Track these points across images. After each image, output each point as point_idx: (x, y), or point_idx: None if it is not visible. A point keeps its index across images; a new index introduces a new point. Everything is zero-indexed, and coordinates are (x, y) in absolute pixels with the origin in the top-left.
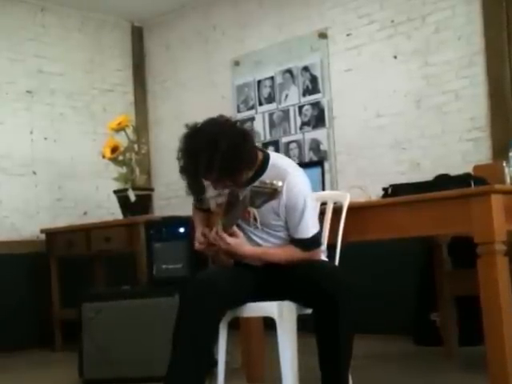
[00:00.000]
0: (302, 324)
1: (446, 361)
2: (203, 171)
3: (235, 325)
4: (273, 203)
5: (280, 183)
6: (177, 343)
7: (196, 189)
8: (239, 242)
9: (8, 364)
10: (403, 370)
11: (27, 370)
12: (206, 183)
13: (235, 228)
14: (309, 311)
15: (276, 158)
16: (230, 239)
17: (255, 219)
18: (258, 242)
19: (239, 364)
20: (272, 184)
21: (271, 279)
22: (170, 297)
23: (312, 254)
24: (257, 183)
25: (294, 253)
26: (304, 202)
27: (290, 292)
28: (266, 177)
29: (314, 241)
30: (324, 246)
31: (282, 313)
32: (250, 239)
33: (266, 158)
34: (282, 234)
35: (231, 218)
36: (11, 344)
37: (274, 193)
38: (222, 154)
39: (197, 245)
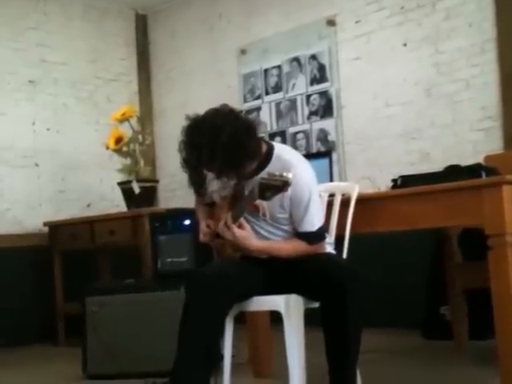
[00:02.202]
0: (309, 318)
1: (455, 355)
2: (205, 163)
3: (241, 319)
4: (278, 196)
5: (290, 175)
6: (182, 338)
7: (197, 181)
8: (246, 236)
9: (10, 359)
10: (412, 364)
11: (30, 364)
12: (210, 177)
13: (242, 220)
14: (316, 305)
15: (281, 150)
16: (236, 231)
17: (264, 212)
18: (265, 235)
19: (245, 359)
20: (282, 176)
21: (278, 272)
22: (175, 290)
23: (317, 247)
24: (265, 175)
25: (299, 246)
26: (309, 195)
27: (297, 285)
28: (270, 169)
29: (319, 234)
30: (331, 239)
31: (289, 307)
32: (256, 232)
33: (270, 149)
34: (287, 228)
35: (237, 210)
36: (14, 338)
37: (283, 185)
38: (224, 146)
39: (201, 236)
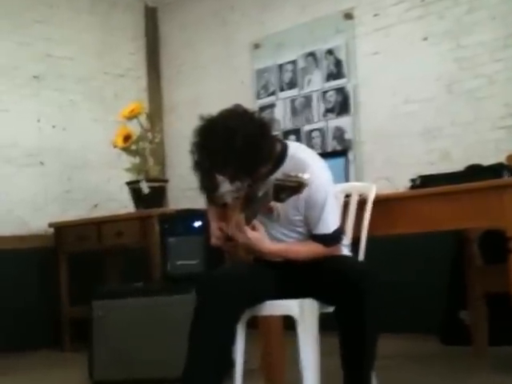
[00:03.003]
0: (324, 323)
1: (475, 361)
2: (218, 168)
3: (253, 324)
4: (293, 197)
5: (306, 176)
6: (193, 343)
7: (209, 186)
8: (260, 237)
9: (14, 365)
10: (430, 370)
11: (34, 371)
12: (222, 178)
13: (256, 222)
14: (330, 309)
15: (295, 149)
16: (249, 233)
17: (278, 214)
18: (278, 238)
19: (257, 365)
20: (297, 177)
21: (292, 276)
22: (185, 294)
23: (333, 249)
24: (280, 176)
25: (315, 249)
26: (325, 196)
27: (311, 287)
28: (285, 168)
29: (336, 236)
30: (347, 241)
31: (303, 311)
32: (269, 234)
33: (285, 148)
34: (302, 230)
35: (250, 212)
36: (17, 344)
37: (299, 186)
38: (239, 150)
39: (213, 240)
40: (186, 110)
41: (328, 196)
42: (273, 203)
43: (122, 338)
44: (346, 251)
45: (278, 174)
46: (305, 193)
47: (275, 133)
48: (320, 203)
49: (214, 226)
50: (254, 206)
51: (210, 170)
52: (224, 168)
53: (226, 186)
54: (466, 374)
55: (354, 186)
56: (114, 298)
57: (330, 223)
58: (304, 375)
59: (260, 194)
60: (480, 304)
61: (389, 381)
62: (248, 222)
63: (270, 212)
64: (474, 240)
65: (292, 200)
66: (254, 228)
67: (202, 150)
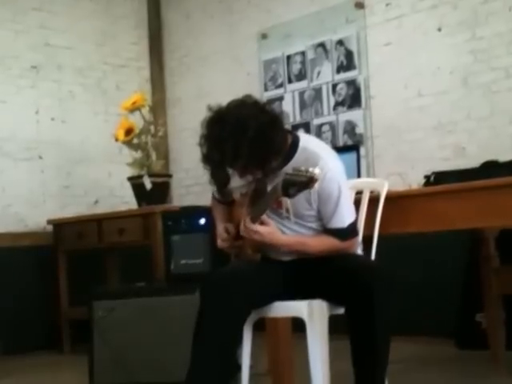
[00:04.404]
0: (334, 326)
1: (491, 366)
2: (229, 160)
3: (260, 326)
4: (305, 191)
5: (317, 170)
6: (197, 345)
7: (220, 179)
8: (272, 231)
9: (11, 367)
10: (444, 375)
11: (32, 373)
12: (231, 172)
13: (265, 217)
14: (341, 311)
15: (307, 141)
16: (260, 228)
17: (287, 210)
18: (289, 234)
19: (265, 369)
20: (308, 171)
21: (301, 275)
22: (189, 294)
23: (349, 244)
24: (290, 170)
25: (331, 243)
26: (339, 189)
27: (320, 287)
28: (296, 162)
29: (351, 230)
30: (359, 239)
31: (313, 313)
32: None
33: (296, 140)
34: (314, 225)
35: (258, 208)
36: (15, 345)
37: (309, 181)
38: (250, 142)
39: (219, 242)
40: (191, 103)
41: (342, 189)
42: (282, 198)
43: (123, 340)
44: (358, 249)
45: (289, 167)
46: (318, 186)
47: (286, 125)
48: (334, 197)
49: (221, 228)
50: (262, 202)
51: (220, 162)
52: (235, 161)
53: (235, 181)
54: (482, 379)
55: (366, 182)
56: (115, 298)
57: (344, 217)
58: (313, 379)
59: (269, 189)
60: (497, 306)
61: None
62: (256, 218)
63: (279, 208)
64: (490, 239)
65: (304, 194)
66: (262, 223)
67: (212, 142)
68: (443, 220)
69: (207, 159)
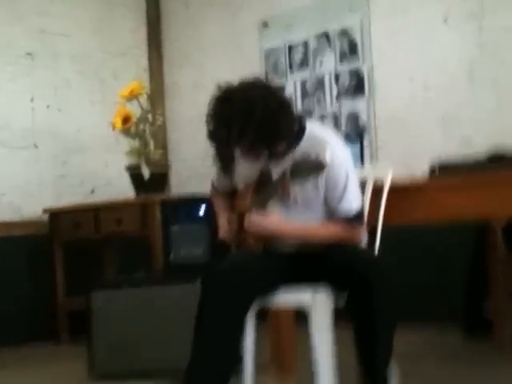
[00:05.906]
0: (338, 313)
1: (497, 354)
2: (235, 137)
3: (262, 316)
4: (313, 177)
5: (326, 157)
6: (198, 336)
7: (225, 157)
8: (277, 222)
9: (8, 359)
10: (450, 363)
11: (30, 365)
12: (236, 157)
13: (270, 207)
14: (342, 303)
15: (313, 127)
16: (265, 221)
17: (295, 196)
18: (294, 222)
19: (267, 360)
20: (317, 157)
21: (303, 264)
22: (189, 284)
23: (355, 231)
24: (298, 157)
25: (338, 230)
26: (346, 175)
27: (322, 277)
28: (302, 147)
29: (358, 216)
30: (364, 229)
31: (316, 302)
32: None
33: (303, 126)
34: (320, 212)
35: (264, 196)
36: (11, 337)
37: (319, 167)
38: (258, 122)
39: (221, 233)
40: (190, 92)
41: (349, 175)
42: (290, 185)
43: (122, 331)
44: (364, 240)
45: (296, 153)
46: (325, 172)
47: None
48: (341, 184)
49: (223, 219)
50: (269, 189)
51: (226, 140)
52: (241, 138)
53: (239, 168)
54: (487, 368)
55: (370, 170)
56: (113, 289)
57: (352, 204)
58: (317, 370)
59: (275, 176)
60: (503, 295)
61: (407, 374)
62: (262, 206)
63: (286, 194)
64: (497, 229)
65: (311, 180)
66: (267, 215)
67: (219, 120)
68: (450, 211)
69: (213, 136)
